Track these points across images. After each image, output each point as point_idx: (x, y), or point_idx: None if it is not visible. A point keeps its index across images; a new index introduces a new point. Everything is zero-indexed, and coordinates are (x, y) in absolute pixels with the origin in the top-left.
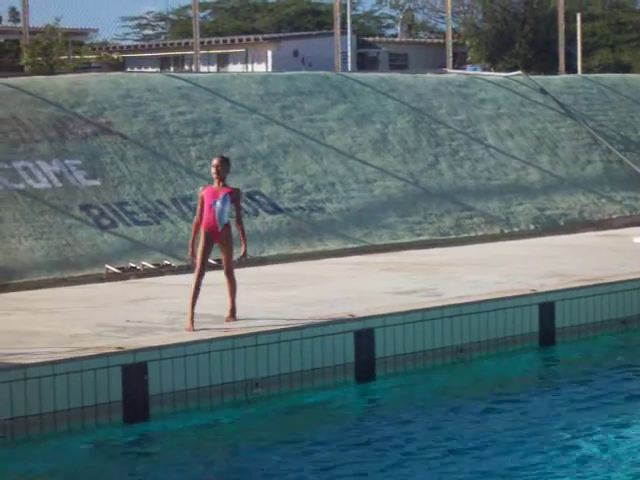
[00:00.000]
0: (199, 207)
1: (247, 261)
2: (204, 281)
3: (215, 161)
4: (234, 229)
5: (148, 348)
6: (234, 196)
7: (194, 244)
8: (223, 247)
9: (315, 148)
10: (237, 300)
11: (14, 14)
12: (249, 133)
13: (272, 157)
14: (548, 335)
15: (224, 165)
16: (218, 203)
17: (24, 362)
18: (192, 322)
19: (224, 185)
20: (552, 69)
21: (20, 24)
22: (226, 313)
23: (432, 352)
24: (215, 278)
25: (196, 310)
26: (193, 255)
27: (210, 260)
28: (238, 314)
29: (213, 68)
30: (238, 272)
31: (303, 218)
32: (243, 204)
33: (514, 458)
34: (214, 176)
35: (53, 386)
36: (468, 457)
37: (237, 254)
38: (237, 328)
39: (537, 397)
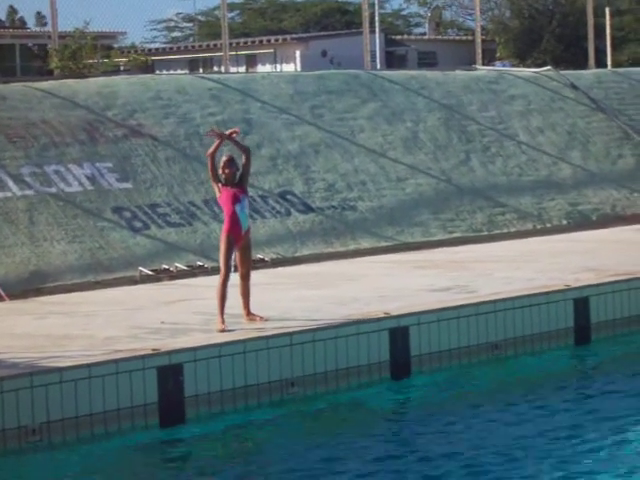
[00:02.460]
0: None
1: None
2: (232, 282)
3: (226, 168)
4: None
5: (183, 349)
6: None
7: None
8: (244, 251)
9: (346, 147)
10: (271, 299)
11: (40, 18)
12: (280, 133)
13: (303, 157)
14: (583, 331)
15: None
16: (238, 207)
17: (60, 365)
18: (223, 321)
19: (237, 184)
20: (581, 64)
21: (47, 28)
22: (244, 313)
23: (467, 349)
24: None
25: (230, 311)
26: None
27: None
28: (272, 314)
29: (242, 69)
30: (271, 272)
31: (335, 217)
32: (275, 204)
33: (554, 454)
34: (225, 178)
35: (89, 389)
36: (501, 458)
37: None
38: (272, 328)
39: (572, 393)
